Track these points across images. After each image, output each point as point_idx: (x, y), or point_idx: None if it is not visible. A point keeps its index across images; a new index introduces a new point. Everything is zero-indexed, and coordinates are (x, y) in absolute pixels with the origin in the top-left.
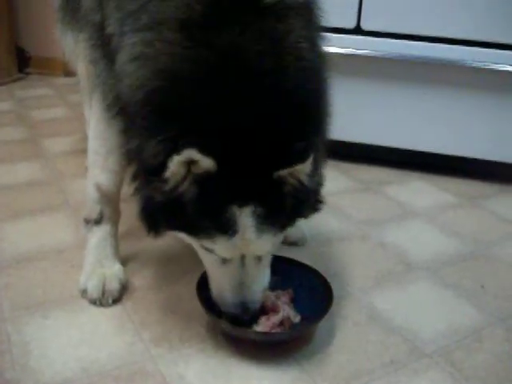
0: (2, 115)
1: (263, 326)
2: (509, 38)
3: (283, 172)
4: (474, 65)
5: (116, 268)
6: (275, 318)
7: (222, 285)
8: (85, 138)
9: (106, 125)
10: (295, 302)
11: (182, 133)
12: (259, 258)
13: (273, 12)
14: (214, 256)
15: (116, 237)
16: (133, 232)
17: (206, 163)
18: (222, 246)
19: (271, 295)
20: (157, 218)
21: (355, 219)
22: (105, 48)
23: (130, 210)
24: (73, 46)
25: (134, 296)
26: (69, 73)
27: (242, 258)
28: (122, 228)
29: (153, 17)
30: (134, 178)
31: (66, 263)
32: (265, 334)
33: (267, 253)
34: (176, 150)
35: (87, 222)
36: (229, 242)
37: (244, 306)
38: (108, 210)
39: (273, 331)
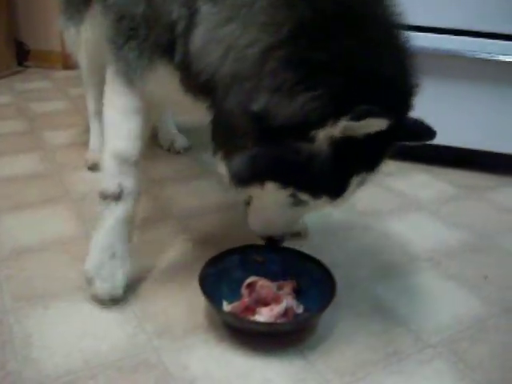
0: (2, 108)
1: (266, 316)
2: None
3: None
4: (474, 55)
5: (127, 263)
6: (278, 309)
7: (280, 219)
8: (85, 131)
9: (123, 92)
10: (298, 293)
11: (347, 92)
12: None
13: None
14: (291, 200)
15: (133, 222)
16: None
17: (369, 132)
18: (320, 203)
19: (274, 286)
20: (267, 175)
21: (358, 210)
22: (148, 41)
23: None
24: (75, 39)
25: (136, 287)
26: (68, 66)
27: None
28: None
29: None
30: (240, 138)
31: (67, 255)
32: (267, 324)
33: None
34: (341, 109)
35: (105, 197)
36: (327, 202)
37: (288, 232)
38: (128, 181)
39: (276, 321)
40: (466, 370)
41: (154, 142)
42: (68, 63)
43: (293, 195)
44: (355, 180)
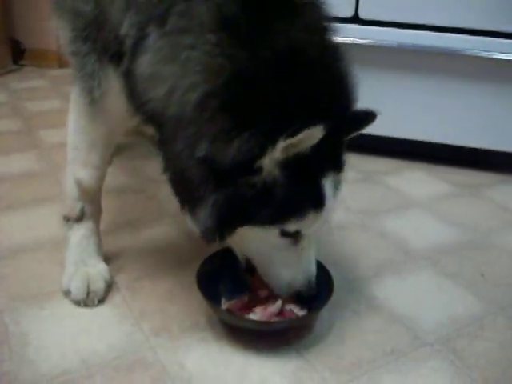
0: None
1: (260, 315)
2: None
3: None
4: (472, 53)
5: (100, 267)
6: (272, 308)
7: (290, 267)
8: None
9: (89, 119)
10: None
11: (277, 124)
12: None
13: (304, 6)
14: (286, 240)
15: (98, 234)
16: (131, 222)
17: (313, 142)
18: (309, 222)
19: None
20: (236, 220)
21: (355, 209)
22: (97, 43)
23: (127, 202)
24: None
25: (133, 286)
26: (63, 64)
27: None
28: (120, 218)
29: (184, 20)
30: (197, 186)
31: (63, 254)
32: (262, 322)
33: None
34: (276, 135)
35: (67, 219)
36: (317, 216)
37: (311, 279)
38: (90, 206)
39: (271, 320)
40: (463, 368)
41: (149, 141)
42: (64, 62)
43: (283, 233)
44: (327, 182)
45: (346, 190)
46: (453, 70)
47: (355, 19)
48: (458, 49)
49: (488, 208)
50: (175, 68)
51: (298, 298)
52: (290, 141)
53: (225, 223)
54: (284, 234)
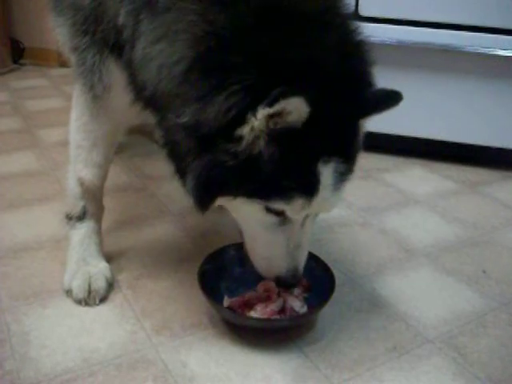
0: None
1: (261, 313)
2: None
3: (367, 117)
4: (474, 50)
5: (101, 266)
6: (273, 306)
7: (275, 249)
8: None
9: (91, 116)
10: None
11: (260, 82)
12: (315, 217)
13: None
14: (273, 218)
15: (100, 233)
16: (132, 221)
17: (301, 115)
18: (296, 207)
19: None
20: (215, 188)
21: (356, 206)
22: (97, 35)
23: (128, 200)
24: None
25: (135, 284)
26: (63, 63)
27: (305, 217)
28: (121, 217)
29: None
30: (185, 155)
31: (63, 252)
32: (264, 320)
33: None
34: (256, 100)
35: (69, 218)
36: (306, 202)
37: (295, 268)
38: (92, 205)
39: (272, 318)
40: (465, 365)
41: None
42: (63, 60)
43: (268, 209)
44: (325, 168)
45: (346, 187)
46: (454, 67)
47: (355, 16)
48: (459, 45)
49: (489, 205)
50: (164, 45)
51: (278, 282)
52: (268, 110)
53: (204, 191)
54: (269, 210)
